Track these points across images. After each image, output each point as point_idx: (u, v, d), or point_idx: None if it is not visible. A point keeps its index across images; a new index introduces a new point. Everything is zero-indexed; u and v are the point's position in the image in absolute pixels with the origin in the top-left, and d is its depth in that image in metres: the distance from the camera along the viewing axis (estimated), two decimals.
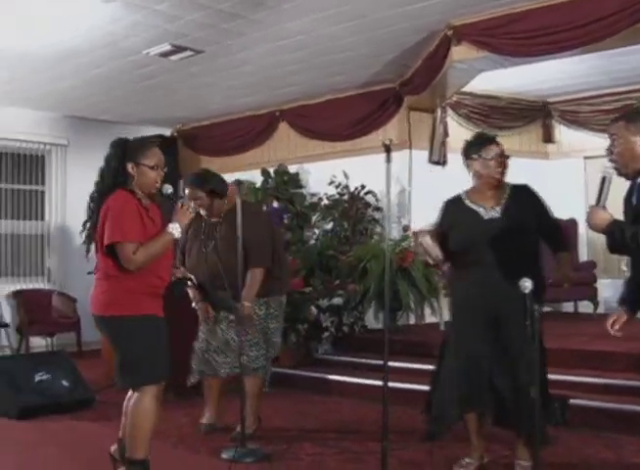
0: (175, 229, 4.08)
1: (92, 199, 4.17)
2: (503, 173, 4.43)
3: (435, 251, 4.42)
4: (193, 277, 4.83)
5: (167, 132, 11.22)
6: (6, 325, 9.52)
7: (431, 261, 4.60)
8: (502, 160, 4.40)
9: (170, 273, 4.31)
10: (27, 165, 10.34)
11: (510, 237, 4.27)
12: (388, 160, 4.10)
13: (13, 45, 7.16)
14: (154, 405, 4.07)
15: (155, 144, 4.20)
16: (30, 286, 10.15)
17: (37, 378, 6.33)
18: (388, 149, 4.10)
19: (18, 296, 9.80)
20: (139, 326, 4.03)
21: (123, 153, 4.10)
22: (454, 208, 4.53)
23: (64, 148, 10.43)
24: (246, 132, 10.40)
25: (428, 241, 4.42)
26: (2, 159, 10.09)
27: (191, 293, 5.40)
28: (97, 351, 7.87)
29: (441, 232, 4.49)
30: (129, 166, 4.07)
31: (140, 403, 4.06)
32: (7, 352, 9.39)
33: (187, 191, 5.26)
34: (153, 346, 4.05)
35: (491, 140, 4.48)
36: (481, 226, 4.36)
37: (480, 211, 4.40)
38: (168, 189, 4.18)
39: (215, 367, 5.47)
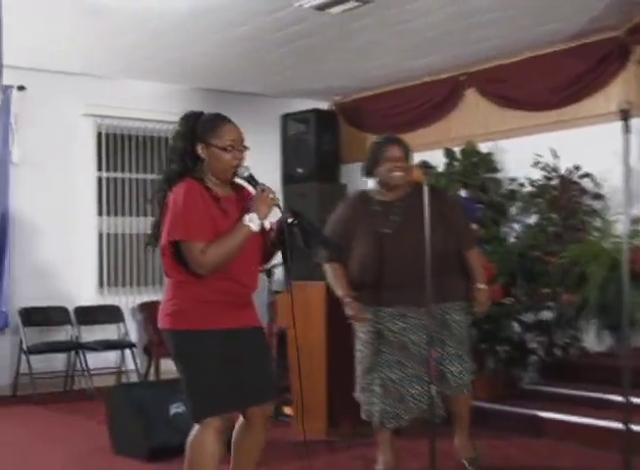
0: (252, 221, 4.00)
1: (158, 188, 4.16)
2: None
3: None
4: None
5: (324, 106, 11.31)
6: (132, 345, 9.68)
7: None
8: None
9: (256, 277, 4.25)
10: (154, 150, 10.58)
11: None
12: (627, 129, 4.00)
13: (137, 4, 7.30)
14: (213, 442, 4.04)
15: (228, 119, 4.13)
16: (160, 297, 10.26)
17: (172, 410, 6.33)
18: (625, 115, 4.06)
19: (145, 309, 9.99)
20: (209, 344, 4.01)
21: (192, 131, 4.08)
22: None
23: None
24: (422, 103, 10.37)
25: None
26: (124, 143, 10.38)
27: (334, 281, 5.34)
28: None
29: None
30: (199, 148, 4.06)
31: (199, 438, 4.06)
32: (134, 379, 9.62)
33: (391, 150, 5.27)
34: (221, 369, 4.02)
35: None
36: None
37: None
38: (245, 171, 4.11)
39: (415, 407, 5.26)
